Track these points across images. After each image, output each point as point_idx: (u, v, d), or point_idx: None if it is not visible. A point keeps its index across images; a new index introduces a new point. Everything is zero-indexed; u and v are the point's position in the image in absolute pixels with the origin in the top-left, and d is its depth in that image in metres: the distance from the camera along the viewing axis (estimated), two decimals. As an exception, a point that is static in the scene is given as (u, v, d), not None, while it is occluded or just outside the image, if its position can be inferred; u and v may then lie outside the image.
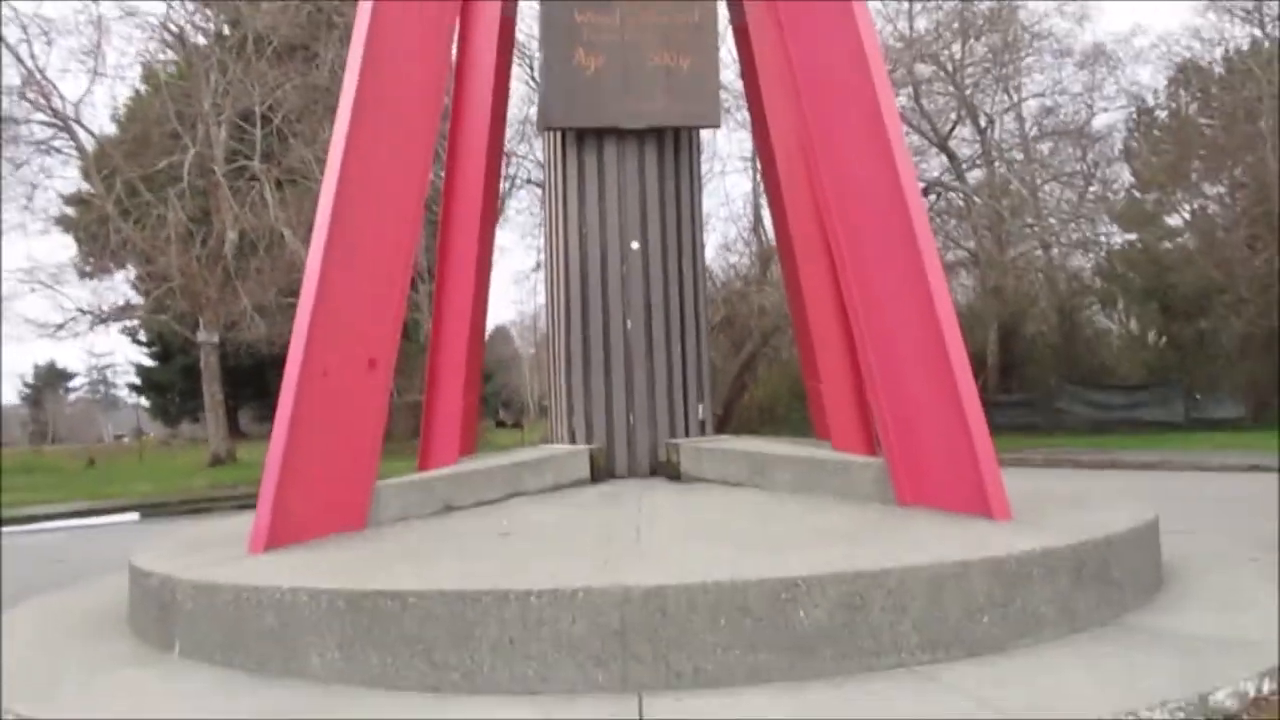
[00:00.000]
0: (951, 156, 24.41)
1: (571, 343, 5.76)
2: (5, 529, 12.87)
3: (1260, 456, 14.08)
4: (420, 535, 4.58)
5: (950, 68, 23.70)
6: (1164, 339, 26.73)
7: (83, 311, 22.83)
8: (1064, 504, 4.88)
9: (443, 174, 6.77)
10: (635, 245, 5.68)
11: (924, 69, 23.35)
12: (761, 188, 24.64)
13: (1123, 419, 23.13)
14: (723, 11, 6.44)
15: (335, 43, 20.33)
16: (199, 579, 3.86)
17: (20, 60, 20.39)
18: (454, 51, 6.31)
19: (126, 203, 20.73)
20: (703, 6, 5.71)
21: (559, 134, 5.85)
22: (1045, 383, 24.98)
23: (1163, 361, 25.54)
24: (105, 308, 23.47)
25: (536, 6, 5.82)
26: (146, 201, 20.47)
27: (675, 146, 5.80)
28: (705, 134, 23.34)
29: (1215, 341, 23.97)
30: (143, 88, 24.15)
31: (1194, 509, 7.25)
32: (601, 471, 5.59)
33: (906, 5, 23.06)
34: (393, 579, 3.51)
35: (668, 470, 5.62)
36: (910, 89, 22.76)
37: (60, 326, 22.73)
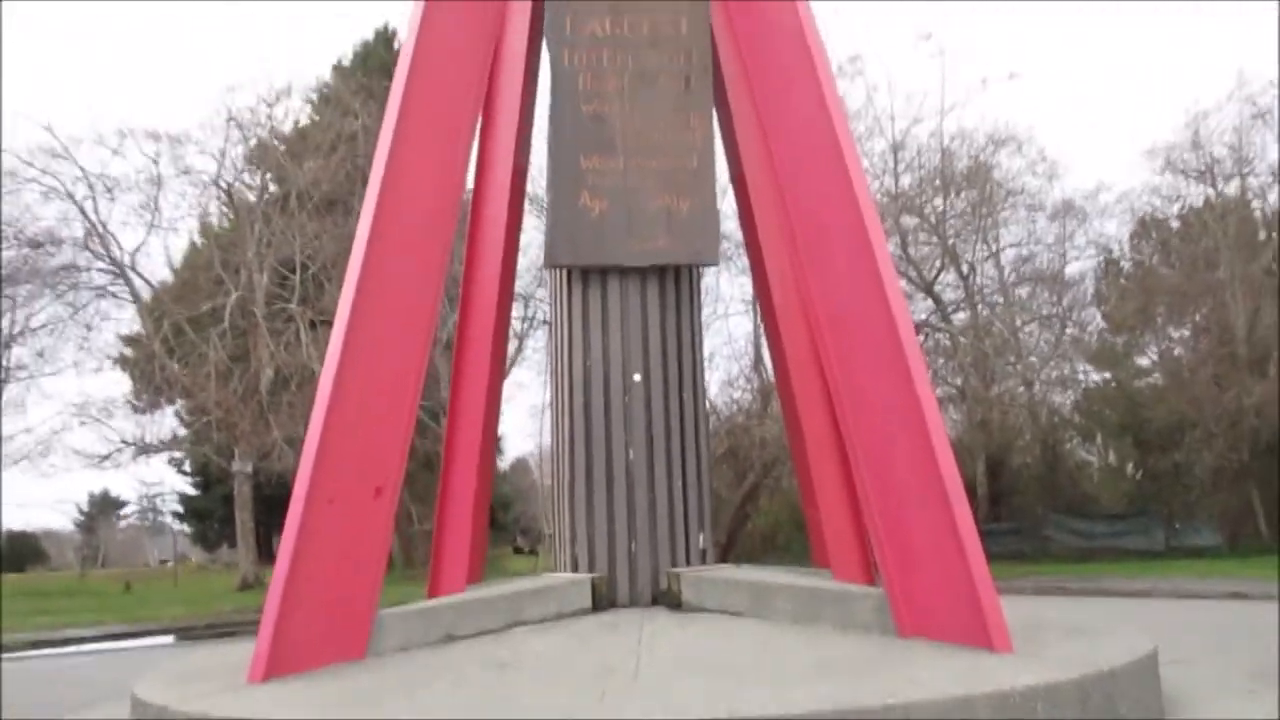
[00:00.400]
0: (937, 300, 24.43)
1: (575, 472, 5.49)
2: (43, 651, 12.52)
3: (1239, 583, 13.65)
4: (419, 665, 4.23)
5: (934, 220, 23.91)
6: (1141, 471, 26.33)
7: (126, 443, 22.67)
8: (1062, 634, 4.55)
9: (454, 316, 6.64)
10: (637, 377, 5.45)
11: (910, 220, 23.56)
12: (761, 328, 24.67)
13: (1106, 547, 22.59)
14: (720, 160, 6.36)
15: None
16: (194, 711, 3.61)
17: (85, 214, 20.74)
18: (468, 198, 6.25)
19: (173, 342, 20.80)
20: (701, 154, 5.61)
21: (564, 272, 5.69)
22: (1032, 511, 24.51)
23: (1141, 491, 25.11)
24: (148, 439, 23.29)
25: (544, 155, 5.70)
26: (190, 341, 20.50)
27: (676, 283, 5.63)
28: (708, 277, 23.68)
29: (1189, 473, 23.56)
30: (199, 240, 24.50)
31: (1184, 638, 6.84)
32: (603, 600, 5.24)
33: (892, 164, 23.39)
34: (385, 712, 3.19)
35: (669, 599, 5.27)
36: (898, 238, 22.90)
37: (105, 458, 22.53)
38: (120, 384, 22.84)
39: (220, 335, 20.24)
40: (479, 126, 6.77)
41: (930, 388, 4.53)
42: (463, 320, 6.72)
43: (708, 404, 5.75)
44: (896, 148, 23.29)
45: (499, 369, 6.99)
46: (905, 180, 23.89)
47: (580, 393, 5.50)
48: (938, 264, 24.65)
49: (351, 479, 4.53)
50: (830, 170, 4.88)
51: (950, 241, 24.22)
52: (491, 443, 6.82)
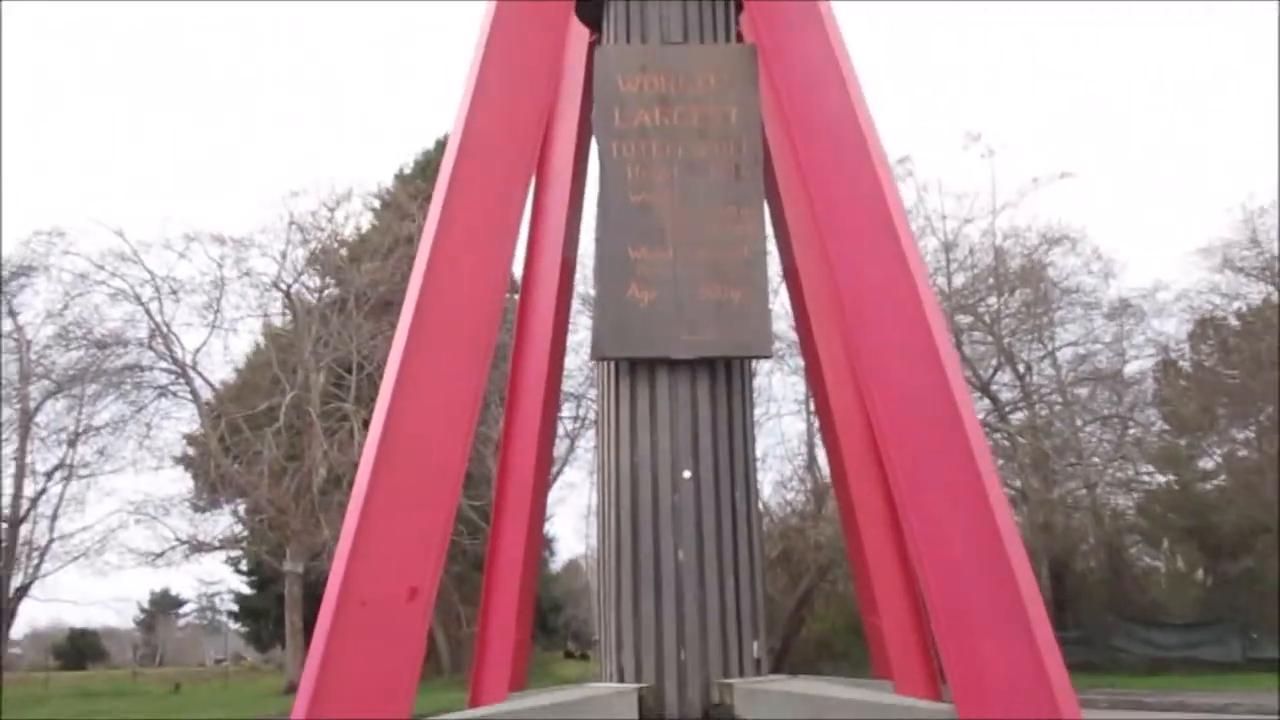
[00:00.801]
0: (994, 400, 23.88)
1: (621, 574, 5.18)
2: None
3: (1329, 699, 12.71)
4: (450, 784, 3.91)
5: (988, 319, 23.55)
6: (1211, 577, 25.19)
7: (180, 541, 22.67)
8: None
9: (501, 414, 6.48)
10: (687, 474, 5.17)
11: (964, 319, 23.21)
12: (816, 426, 24.24)
13: (1180, 657, 21.44)
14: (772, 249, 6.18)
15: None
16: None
17: (150, 315, 21.14)
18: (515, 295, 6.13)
19: (229, 440, 20.90)
20: (753, 244, 5.42)
21: (612, 365, 5.48)
22: (1099, 619, 23.44)
23: (1211, 599, 23.96)
24: (202, 538, 23.29)
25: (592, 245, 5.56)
26: (246, 439, 20.60)
27: (727, 376, 5.38)
28: (760, 377, 23.41)
29: (1263, 580, 22.43)
30: (261, 340, 24.86)
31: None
32: (650, 712, 4.87)
33: (945, 263, 23.16)
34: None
35: (721, 713, 4.88)
36: (952, 337, 22.54)
37: (159, 555, 22.52)
38: (179, 482, 22.88)
39: (275, 434, 20.31)
40: (528, 220, 6.72)
41: (1006, 506, 4.20)
42: (509, 419, 6.55)
43: (760, 504, 5.46)
44: (949, 246, 23.11)
45: (545, 469, 6.75)
46: (958, 279, 23.64)
47: (627, 491, 5.22)
48: (993, 363, 24.20)
49: (386, 580, 4.28)
50: (889, 267, 4.63)
51: (1005, 340, 23.80)
52: (537, 545, 6.56)
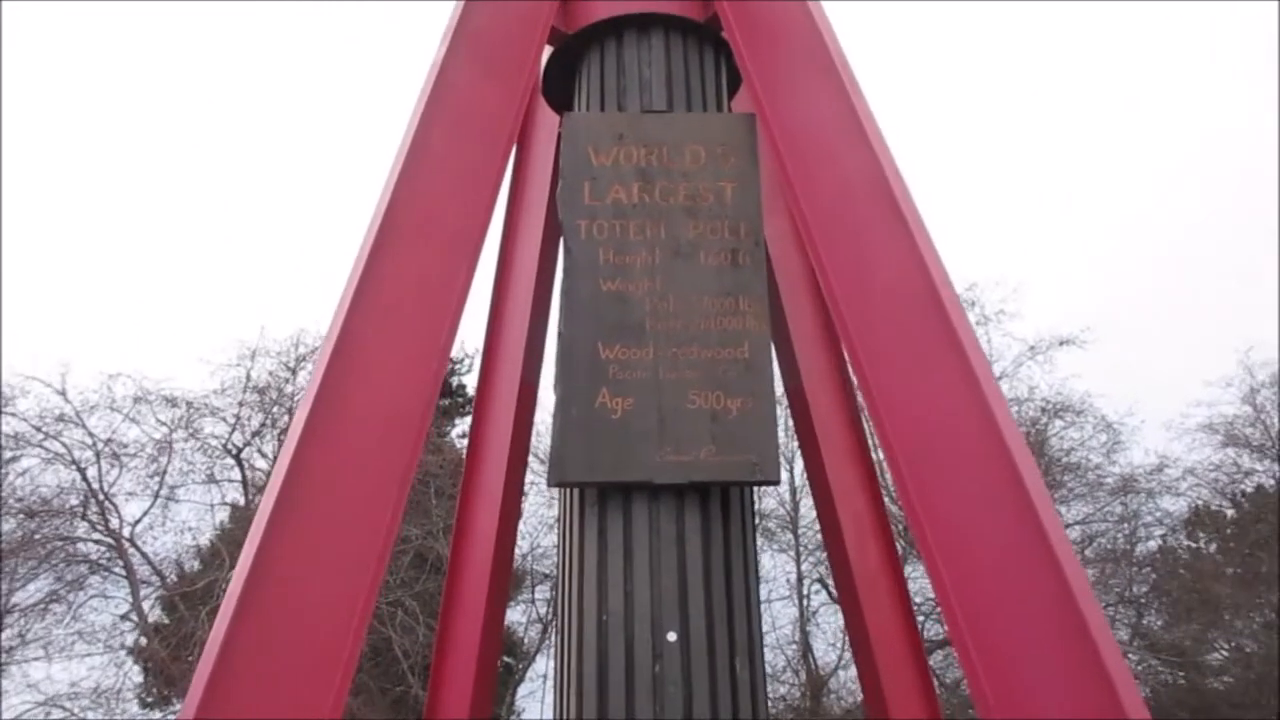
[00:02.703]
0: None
1: (586, 773, 3.87)
2: None
3: None
4: None
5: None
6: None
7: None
8: None
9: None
10: (672, 637, 3.93)
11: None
12: (810, 610, 22.64)
13: None
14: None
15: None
16: None
17: (87, 481, 19.75)
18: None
19: (170, 623, 19.20)
20: (755, 342, 4.37)
21: (575, 493, 4.33)
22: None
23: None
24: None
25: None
26: (181, 616, 18.86)
27: (724, 508, 4.21)
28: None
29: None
30: (219, 518, 23.33)
31: None
32: None
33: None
34: None
35: None
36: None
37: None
38: (117, 671, 20.72)
39: (210, 614, 18.59)
40: (485, 337, 5.72)
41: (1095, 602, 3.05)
42: (448, 599, 5.42)
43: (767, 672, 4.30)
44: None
45: (489, 676, 5.48)
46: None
47: (593, 658, 3.96)
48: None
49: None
50: (951, 389, 3.56)
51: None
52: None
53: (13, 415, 19.22)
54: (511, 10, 4.90)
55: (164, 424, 20.49)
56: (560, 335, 4.38)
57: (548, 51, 5.31)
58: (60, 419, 19.66)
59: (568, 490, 4.42)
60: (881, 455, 4.35)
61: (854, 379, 4.52)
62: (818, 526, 23.70)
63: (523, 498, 5.51)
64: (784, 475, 24.42)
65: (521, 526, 22.79)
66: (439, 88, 4.48)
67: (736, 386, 4.27)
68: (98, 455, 19.82)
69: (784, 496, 24.25)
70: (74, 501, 19.56)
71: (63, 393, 19.71)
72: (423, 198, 4.22)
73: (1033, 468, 3.19)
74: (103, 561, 19.97)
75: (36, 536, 19.36)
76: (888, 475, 5.13)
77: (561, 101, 5.37)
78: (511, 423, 5.31)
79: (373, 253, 3.92)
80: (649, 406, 4.21)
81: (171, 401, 20.46)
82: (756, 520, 4.55)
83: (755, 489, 4.64)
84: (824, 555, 23.49)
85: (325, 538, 3.35)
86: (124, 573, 19.78)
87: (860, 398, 4.52)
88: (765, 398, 4.28)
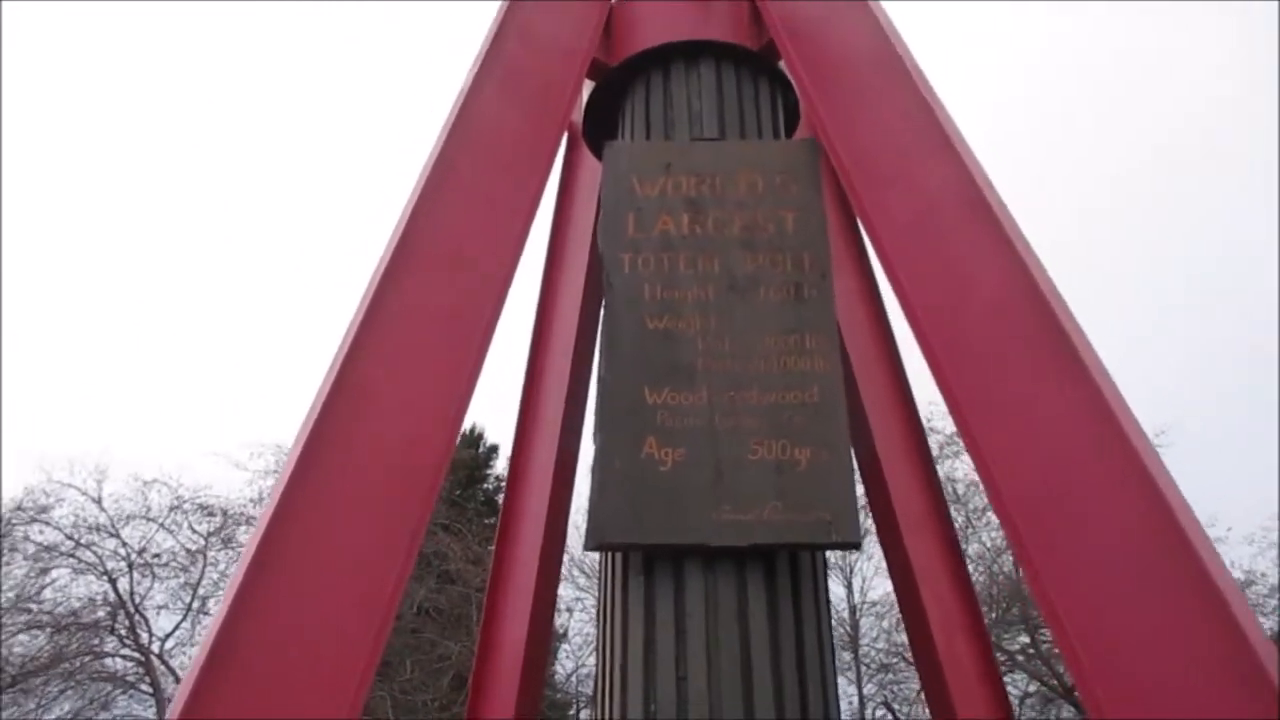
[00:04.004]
0: (1078, 707, 21.04)
1: None
2: None
3: None
4: None
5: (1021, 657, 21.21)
6: None
7: None
8: None
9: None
10: (735, 730, 3.30)
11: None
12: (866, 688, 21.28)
13: None
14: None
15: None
16: None
17: (117, 592, 19.27)
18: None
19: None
20: (825, 385, 3.82)
21: (618, 557, 3.75)
22: None
23: None
24: None
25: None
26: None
27: (793, 576, 3.59)
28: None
29: None
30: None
31: None
32: None
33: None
34: None
35: None
36: (1028, 637, 20.16)
37: None
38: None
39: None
40: (519, 403, 5.24)
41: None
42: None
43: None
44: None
45: None
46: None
47: (639, 757, 3.33)
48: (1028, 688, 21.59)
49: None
50: (1071, 395, 2.98)
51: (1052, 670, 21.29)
52: None
53: (47, 524, 18.92)
54: (547, 36, 4.55)
55: (199, 534, 20.08)
56: (601, 379, 3.87)
57: (589, 88, 4.96)
58: (95, 528, 19.34)
59: (609, 556, 3.84)
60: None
61: (927, 423, 3.98)
62: (880, 645, 22.58)
63: (559, 581, 4.91)
64: (841, 590, 23.34)
65: (566, 646, 21.86)
66: (466, 114, 4.10)
67: (805, 434, 3.71)
68: (130, 566, 19.40)
69: (841, 613, 23.14)
70: (102, 614, 19.07)
71: (98, 500, 19.48)
72: (444, 227, 3.78)
73: (1193, 519, 2.57)
74: (130, 679, 19.33)
75: (65, 652, 18.82)
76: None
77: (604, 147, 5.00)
78: (549, 493, 4.77)
79: (384, 282, 3.46)
80: (703, 457, 3.65)
81: (208, 510, 20.09)
82: (827, 586, 3.92)
83: (826, 552, 4.02)
84: (888, 677, 22.27)
85: (309, 599, 2.80)
86: (151, 690, 19.12)
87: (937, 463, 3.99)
88: (839, 447, 3.71)
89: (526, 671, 4.61)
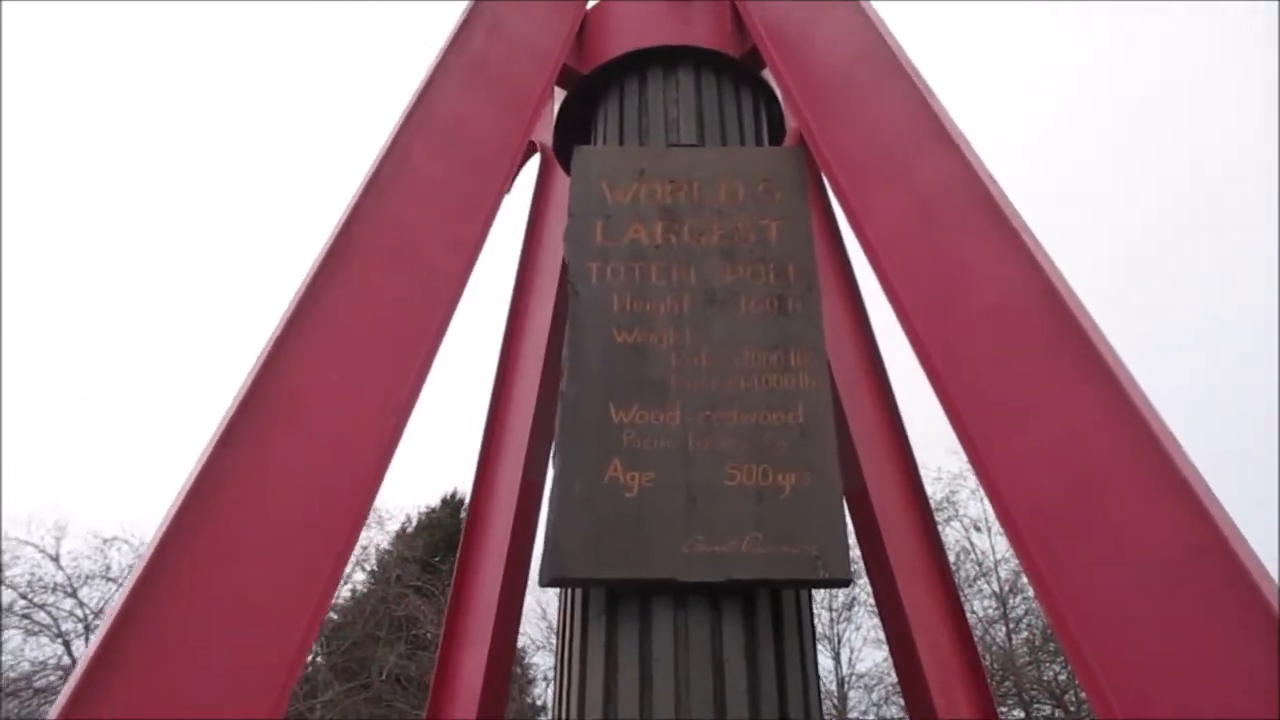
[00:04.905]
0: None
1: None
2: None
3: None
4: None
5: (1055, 690, 20.61)
6: None
7: None
8: None
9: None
10: (708, 790, 2.88)
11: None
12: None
13: None
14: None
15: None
16: None
17: (70, 654, 18.53)
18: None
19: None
20: (811, 404, 3.46)
21: (576, 594, 3.35)
22: None
23: None
24: None
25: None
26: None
27: (775, 615, 3.20)
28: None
29: None
30: None
31: None
32: None
33: (1002, 614, 20.65)
34: None
35: None
36: (1021, 712, 19.56)
37: None
38: None
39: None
40: (483, 428, 4.90)
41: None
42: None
43: None
44: (1004, 596, 20.65)
45: None
46: (1019, 637, 20.98)
47: (601, 819, 2.91)
48: None
49: None
50: (1088, 395, 2.62)
51: (1084, 719, 20.67)
52: None
53: (0, 584, 18.24)
54: (517, 33, 4.27)
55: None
56: (562, 394, 3.50)
57: (562, 101, 4.68)
58: (51, 588, 18.66)
59: (568, 593, 3.44)
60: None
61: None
62: (870, 717, 21.89)
63: (520, 620, 4.51)
64: (828, 661, 22.70)
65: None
66: (425, 103, 3.80)
67: (789, 458, 3.34)
68: (87, 628, 18.67)
69: (829, 685, 22.49)
70: (55, 679, 18.28)
71: (56, 558, 18.81)
72: (394, 219, 3.45)
73: (1236, 531, 2.21)
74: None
75: (14, 718, 18.00)
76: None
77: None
78: (511, 525, 4.38)
79: (321, 273, 3.12)
80: (674, 482, 3.28)
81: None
82: (814, 625, 3.52)
83: (811, 590, 3.62)
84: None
85: (203, 635, 2.40)
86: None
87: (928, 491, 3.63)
88: (826, 472, 3.34)
89: (484, 714, 4.19)
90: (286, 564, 2.61)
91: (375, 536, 22.89)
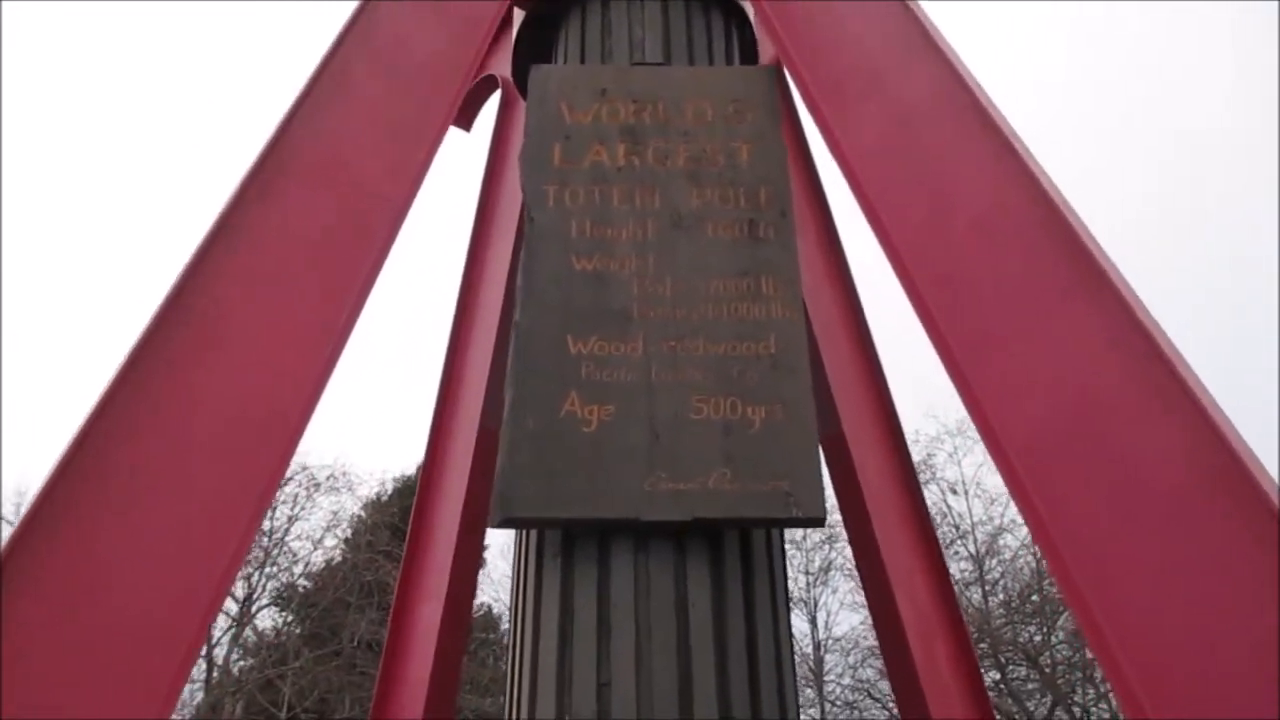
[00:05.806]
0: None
1: None
2: None
3: None
4: None
5: (1030, 651, 20.64)
6: None
7: None
8: None
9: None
10: (671, 742, 2.68)
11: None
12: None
13: None
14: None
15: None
16: None
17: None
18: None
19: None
20: (783, 334, 3.24)
21: (531, 535, 3.13)
22: None
23: None
24: None
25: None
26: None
27: (744, 557, 2.99)
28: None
29: None
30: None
31: None
32: None
33: (978, 577, 20.65)
34: None
35: None
36: (997, 673, 19.58)
37: None
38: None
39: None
40: (440, 380, 4.66)
41: None
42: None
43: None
44: (980, 559, 20.64)
45: None
46: (994, 599, 20.98)
47: (556, 775, 2.70)
48: (1045, 701, 20.98)
49: None
50: (1086, 315, 2.40)
51: (1059, 680, 20.72)
52: None
53: None
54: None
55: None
56: (515, 325, 3.26)
57: (521, 23, 4.40)
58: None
59: (523, 535, 3.22)
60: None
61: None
62: (846, 681, 21.92)
63: (478, 571, 4.28)
64: (804, 625, 22.69)
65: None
66: (366, 21, 3.52)
67: (759, 391, 3.12)
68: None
69: (805, 649, 22.49)
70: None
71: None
72: (330, 140, 3.19)
73: (1249, 450, 2.01)
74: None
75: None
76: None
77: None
78: (468, 473, 4.15)
79: (246, 191, 2.86)
80: (636, 416, 3.05)
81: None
82: (785, 568, 3.30)
83: (783, 530, 3.41)
84: (853, 714, 21.58)
85: (105, 574, 2.17)
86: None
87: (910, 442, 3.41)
88: (799, 405, 3.12)
89: (439, 672, 3.97)
90: (208, 488, 2.37)
91: (346, 502, 22.59)
